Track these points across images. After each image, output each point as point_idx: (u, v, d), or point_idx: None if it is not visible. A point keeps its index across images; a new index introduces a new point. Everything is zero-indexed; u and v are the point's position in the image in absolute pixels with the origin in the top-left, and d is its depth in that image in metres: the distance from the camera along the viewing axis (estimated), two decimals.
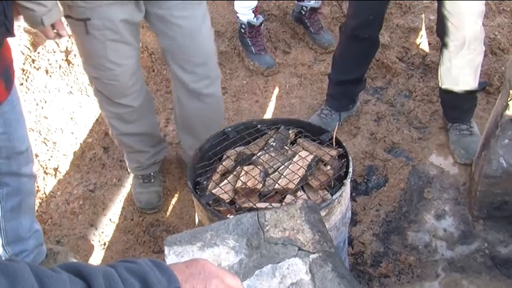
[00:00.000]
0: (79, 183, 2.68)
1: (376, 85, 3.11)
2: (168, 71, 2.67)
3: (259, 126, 1.95)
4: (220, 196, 1.70)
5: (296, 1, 3.34)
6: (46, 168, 2.71)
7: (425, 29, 3.33)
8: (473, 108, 2.70)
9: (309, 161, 1.77)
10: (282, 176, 1.73)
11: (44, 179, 2.67)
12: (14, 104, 1.78)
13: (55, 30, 1.90)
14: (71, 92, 3.04)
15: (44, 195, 2.61)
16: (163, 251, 1.29)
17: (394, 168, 2.60)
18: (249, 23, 3.11)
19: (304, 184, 1.75)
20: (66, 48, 3.18)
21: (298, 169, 1.74)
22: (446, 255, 2.27)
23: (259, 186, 1.71)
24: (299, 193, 1.70)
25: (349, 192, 1.80)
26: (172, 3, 1.99)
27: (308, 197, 1.71)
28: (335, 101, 2.80)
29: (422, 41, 3.28)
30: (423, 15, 3.44)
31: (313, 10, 3.26)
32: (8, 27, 1.59)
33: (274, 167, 1.78)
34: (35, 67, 3.08)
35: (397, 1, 3.50)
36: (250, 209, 1.61)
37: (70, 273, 0.79)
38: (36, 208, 2.54)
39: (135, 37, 2.08)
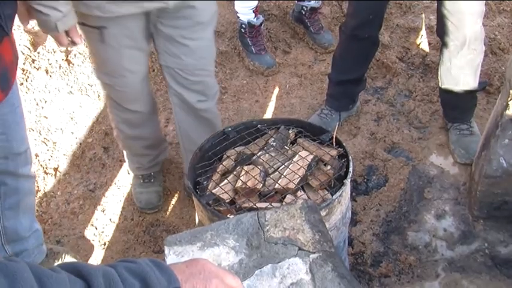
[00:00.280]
0: (79, 183, 2.68)
1: (376, 85, 3.10)
2: None
3: (259, 126, 1.95)
4: (221, 196, 1.70)
5: (296, 1, 3.34)
6: (46, 168, 2.71)
7: (426, 29, 3.33)
8: (473, 108, 2.70)
9: (309, 160, 1.77)
10: (282, 176, 1.73)
11: (44, 179, 2.67)
12: (14, 106, 1.77)
13: (69, 38, 1.85)
14: (71, 92, 3.04)
15: (44, 195, 2.61)
16: (163, 251, 1.29)
17: (394, 168, 2.60)
18: (249, 22, 3.11)
19: (304, 184, 1.75)
20: (66, 48, 3.17)
21: (298, 169, 1.74)
22: (446, 255, 2.27)
23: (260, 186, 1.71)
24: (299, 193, 1.70)
25: (349, 192, 1.80)
26: (184, 23, 1.97)
27: (308, 196, 1.71)
28: (335, 100, 2.80)
29: (423, 41, 3.28)
30: (423, 15, 3.43)
31: (313, 10, 3.26)
32: (4, 27, 1.54)
33: (275, 166, 1.78)
34: (35, 67, 3.08)
35: (397, 1, 3.50)
36: (250, 209, 1.61)
37: (70, 272, 0.79)
38: (36, 208, 2.54)
39: (148, 43, 2.07)
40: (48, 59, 3.12)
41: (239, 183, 1.72)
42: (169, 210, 2.57)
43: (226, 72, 3.19)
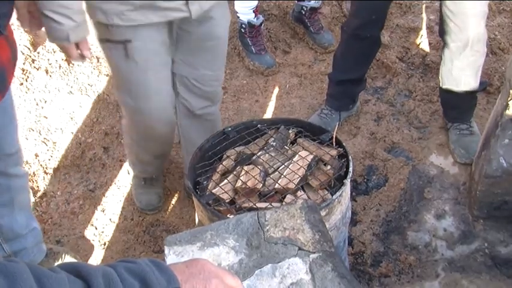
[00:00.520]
0: (79, 183, 2.68)
1: (376, 85, 3.10)
2: None
3: (259, 126, 1.95)
4: (220, 196, 1.70)
5: (296, 1, 3.34)
6: (46, 168, 2.71)
7: (426, 29, 3.33)
8: (473, 108, 2.69)
9: (309, 160, 1.77)
10: (282, 176, 1.73)
11: (44, 178, 2.67)
12: (6, 110, 1.75)
13: (79, 51, 1.74)
14: (71, 91, 3.04)
15: (44, 195, 2.61)
16: (163, 251, 1.29)
17: (394, 168, 2.60)
18: (249, 22, 3.11)
19: (304, 184, 1.75)
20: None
21: (298, 169, 1.74)
22: (446, 255, 2.27)
23: (259, 186, 1.71)
24: (299, 193, 1.70)
25: (349, 192, 1.80)
26: (204, 34, 1.93)
27: (308, 196, 1.71)
28: (335, 100, 2.79)
29: (423, 41, 3.28)
30: (423, 15, 3.43)
31: (313, 10, 3.26)
32: None
33: (274, 166, 1.78)
34: (35, 67, 3.08)
35: (397, 1, 3.50)
36: (250, 209, 1.61)
37: (69, 273, 0.79)
38: (36, 208, 2.55)
39: (170, 57, 1.99)
40: (48, 59, 3.12)
41: (239, 183, 1.72)
42: (169, 210, 2.57)
43: (226, 72, 3.19)
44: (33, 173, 2.67)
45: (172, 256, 1.25)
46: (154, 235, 2.45)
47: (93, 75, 3.10)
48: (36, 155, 2.74)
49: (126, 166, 2.66)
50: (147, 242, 2.43)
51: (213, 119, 2.30)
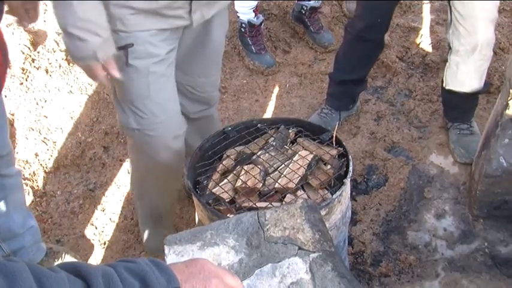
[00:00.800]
0: (79, 182, 2.68)
1: (376, 84, 3.10)
2: None
3: (259, 125, 1.95)
4: (220, 195, 1.70)
5: (296, 0, 3.34)
6: (46, 167, 2.71)
7: (426, 29, 3.33)
8: (474, 108, 2.69)
9: (309, 160, 1.77)
10: (282, 175, 1.73)
11: (44, 178, 2.67)
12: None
13: (105, 72, 1.60)
14: (71, 91, 3.03)
15: (44, 195, 2.61)
16: (163, 251, 1.29)
17: (394, 167, 2.60)
18: (249, 22, 3.11)
19: (304, 183, 1.75)
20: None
21: (298, 168, 1.74)
22: (446, 255, 2.26)
23: (259, 185, 1.71)
24: (299, 192, 1.70)
25: (349, 192, 1.80)
26: (202, 41, 1.87)
27: (308, 196, 1.71)
28: (335, 100, 2.79)
29: (423, 41, 3.28)
30: (423, 15, 3.43)
31: (313, 9, 3.26)
32: None
33: (274, 166, 1.78)
34: (34, 66, 3.08)
35: (398, 0, 3.49)
36: (250, 208, 1.61)
37: (69, 272, 0.79)
38: (36, 207, 2.55)
39: (173, 67, 1.83)
40: (48, 59, 3.12)
41: (239, 183, 1.72)
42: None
43: (226, 71, 3.19)
44: (33, 172, 2.67)
45: (172, 255, 1.25)
46: None
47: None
48: (36, 155, 2.74)
49: (126, 166, 2.65)
50: None
51: (210, 120, 2.25)
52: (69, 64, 3.13)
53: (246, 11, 3.11)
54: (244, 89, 3.12)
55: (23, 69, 3.04)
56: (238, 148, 1.90)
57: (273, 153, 1.83)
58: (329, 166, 1.79)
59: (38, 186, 2.63)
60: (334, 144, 1.85)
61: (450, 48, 2.49)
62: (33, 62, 3.10)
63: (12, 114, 2.87)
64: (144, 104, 1.77)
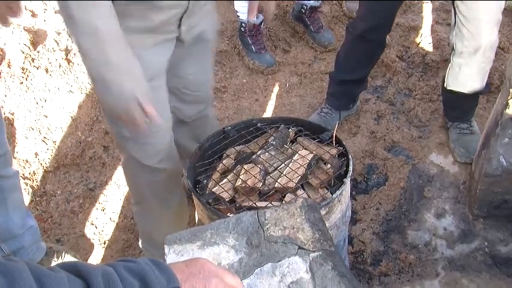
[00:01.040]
0: (79, 182, 2.68)
1: (376, 84, 3.10)
2: None
3: (259, 124, 1.95)
4: (220, 195, 1.70)
5: (296, 0, 3.34)
6: (46, 167, 2.71)
7: (426, 28, 3.33)
8: (474, 108, 2.69)
9: (309, 159, 1.77)
10: (282, 175, 1.73)
11: (44, 177, 2.67)
12: None
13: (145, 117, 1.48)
14: (71, 91, 3.03)
15: (44, 194, 2.61)
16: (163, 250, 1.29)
17: (394, 167, 2.60)
18: (249, 21, 3.11)
19: (304, 183, 1.75)
20: (66, 47, 3.17)
21: (298, 168, 1.74)
22: (446, 254, 2.27)
23: (259, 184, 1.71)
24: (299, 192, 1.70)
25: (349, 191, 1.80)
26: (194, 42, 1.83)
27: (308, 195, 1.71)
28: (335, 99, 2.79)
29: (423, 40, 3.28)
30: (423, 14, 3.43)
31: (314, 9, 3.26)
32: None
33: (274, 165, 1.78)
34: (34, 66, 3.08)
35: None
36: (250, 208, 1.61)
37: (69, 272, 0.79)
38: (36, 207, 2.55)
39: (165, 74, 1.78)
40: (48, 58, 3.11)
41: (239, 182, 1.72)
42: None
43: (226, 71, 3.19)
44: (33, 172, 2.67)
45: (172, 255, 1.24)
46: None
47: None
48: (36, 154, 2.73)
49: None
50: None
51: (206, 120, 2.21)
52: (69, 64, 3.13)
53: (246, 11, 3.10)
54: (244, 88, 3.12)
55: (23, 69, 3.04)
56: (238, 147, 1.90)
57: (273, 153, 1.82)
58: (329, 165, 1.79)
59: (38, 185, 2.63)
60: (334, 144, 1.85)
61: (453, 49, 2.49)
62: (33, 61, 3.10)
63: (12, 114, 2.87)
64: None
